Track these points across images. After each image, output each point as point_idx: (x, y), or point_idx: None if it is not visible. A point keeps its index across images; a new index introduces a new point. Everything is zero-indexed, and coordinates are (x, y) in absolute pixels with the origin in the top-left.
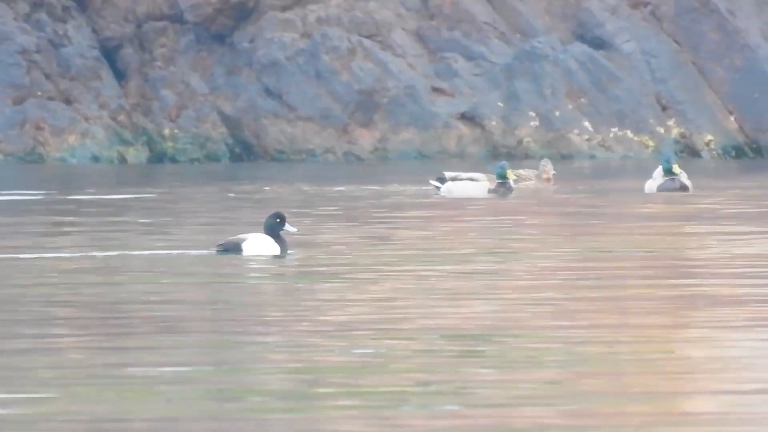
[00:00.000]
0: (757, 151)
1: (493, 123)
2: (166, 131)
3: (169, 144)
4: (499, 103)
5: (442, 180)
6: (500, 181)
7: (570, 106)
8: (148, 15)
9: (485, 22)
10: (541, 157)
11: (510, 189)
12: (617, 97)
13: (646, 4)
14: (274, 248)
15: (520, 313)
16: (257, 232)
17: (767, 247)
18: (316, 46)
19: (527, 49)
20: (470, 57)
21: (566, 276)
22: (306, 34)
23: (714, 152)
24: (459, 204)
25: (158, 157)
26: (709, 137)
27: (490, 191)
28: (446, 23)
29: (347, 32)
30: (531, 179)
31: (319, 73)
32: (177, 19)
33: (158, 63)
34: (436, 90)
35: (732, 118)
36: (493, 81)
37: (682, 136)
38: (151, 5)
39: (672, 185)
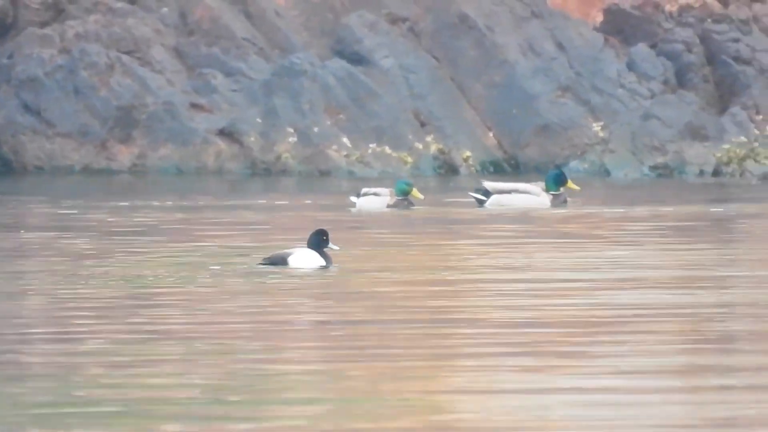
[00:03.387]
0: (516, 167)
1: (252, 139)
2: None
3: None
4: (258, 119)
5: (359, 195)
6: (401, 197)
7: (328, 122)
8: None
9: (244, 38)
10: (300, 173)
11: (411, 204)
12: (376, 113)
13: (404, 20)
14: (319, 262)
15: None
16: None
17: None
18: (75, 62)
19: (286, 65)
20: (229, 73)
21: None
22: (64, 50)
23: (472, 168)
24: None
25: None
26: (468, 153)
27: (388, 206)
28: (205, 39)
29: (106, 48)
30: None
31: (77, 89)
32: None
33: None
34: (194, 106)
35: (491, 135)
36: (251, 97)
37: (441, 152)
38: None
39: (560, 200)
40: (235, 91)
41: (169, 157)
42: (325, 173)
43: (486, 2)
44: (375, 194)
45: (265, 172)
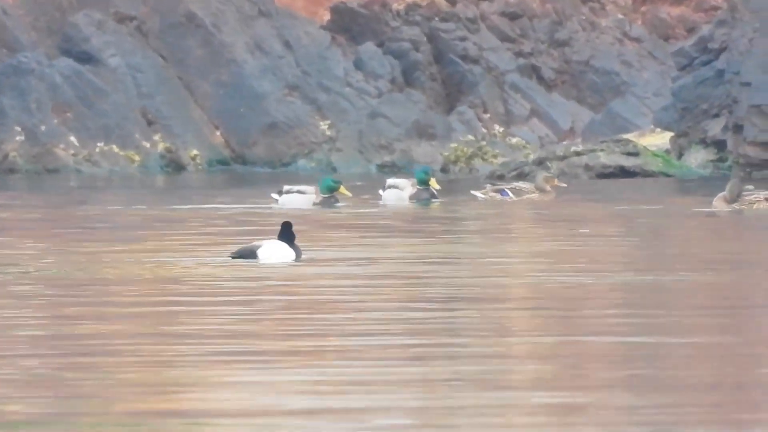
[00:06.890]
0: (243, 165)
1: None
2: None
3: None
4: None
5: (281, 193)
6: (326, 195)
7: (56, 121)
8: None
9: None
10: (27, 172)
11: (336, 201)
12: (103, 111)
13: (132, 19)
14: (289, 254)
15: None
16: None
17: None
18: None
19: (13, 64)
20: None
21: None
22: None
23: (200, 167)
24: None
25: None
26: (195, 152)
27: (314, 204)
28: None
29: None
30: (533, 192)
31: None
32: None
33: None
34: None
35: (218, 133)
36: None
37: (168, 150)
38: None
39: (424, 195)
40: None
41: None
42: (52, 172)
43: (213, 1)
44: (299, 192)
45: None
